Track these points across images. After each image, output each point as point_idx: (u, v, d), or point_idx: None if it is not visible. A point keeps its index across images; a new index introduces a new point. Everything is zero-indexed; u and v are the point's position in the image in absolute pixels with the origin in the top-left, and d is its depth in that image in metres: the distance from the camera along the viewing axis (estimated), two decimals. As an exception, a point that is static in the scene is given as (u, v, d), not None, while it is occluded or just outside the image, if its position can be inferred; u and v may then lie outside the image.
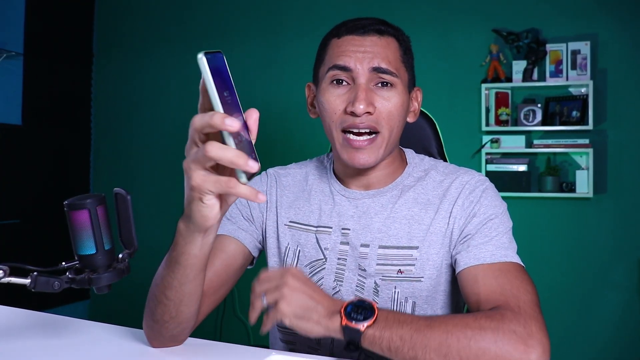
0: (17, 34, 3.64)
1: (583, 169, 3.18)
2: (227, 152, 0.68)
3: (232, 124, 0.67)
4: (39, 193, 3.77)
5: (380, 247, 1.16)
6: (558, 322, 3.11)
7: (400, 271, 1.14)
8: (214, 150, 0.68)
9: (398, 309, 1.14)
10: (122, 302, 3.79)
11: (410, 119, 1.23)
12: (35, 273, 0.82)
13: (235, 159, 0.68)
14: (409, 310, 1.14)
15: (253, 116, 0.73)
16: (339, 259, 1.18)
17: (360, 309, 0.90)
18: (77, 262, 0.84)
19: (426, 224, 1.15)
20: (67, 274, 0.85)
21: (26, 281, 0.82)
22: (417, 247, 1.14)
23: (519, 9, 3.32)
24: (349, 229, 1.19)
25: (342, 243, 1.19)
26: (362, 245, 1.17)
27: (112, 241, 0.85)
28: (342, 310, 0.90)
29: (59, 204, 0.91)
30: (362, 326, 0.88)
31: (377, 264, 1.15)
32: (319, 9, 3.69)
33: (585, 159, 3.18)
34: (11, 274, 0.81)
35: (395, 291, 1.14)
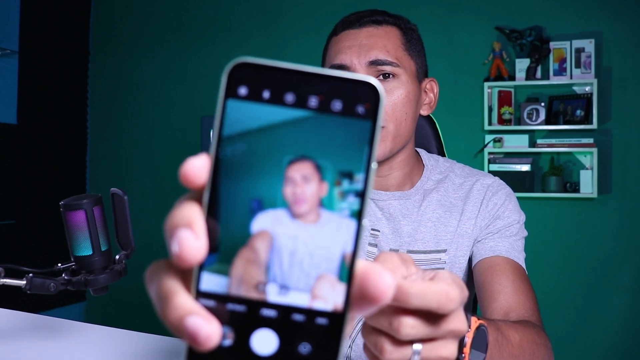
0: (13, 32, 3.62)
1: (587, 168, 3.15)
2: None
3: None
4: (35, 193, 3.74)
5: (409, 251, 1.13)
6: (561, 324, 3.08)
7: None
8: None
9: None
10: (119, 304, 3.77)
11: (425, 112, 1.19)
12: (30, 274, 0.83)
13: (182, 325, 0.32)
14: None
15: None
16: (366, 260, 1.14)
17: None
18: (74, 263, 0.83)
19: (453, 226, 1.14)
20: (63, 275, 0.84)
21: (22, 283, 0.82)
22: (445, 250, 1.13)
23: (522, 6, 3.30)
24: (378, 231, 1.15)
25: (370, 245, 1.15)
26: (391, 250, 1.14)
27: (108, 242, 0.85)
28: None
29: (55, 204, 0.89)
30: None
31: None
32: (320, 7, 3.66)
33: (589, 158, 3.16)
34: (6, 276, 0.82)
35: None
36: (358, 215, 0.32)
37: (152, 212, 4.00)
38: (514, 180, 3.18)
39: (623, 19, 3.14)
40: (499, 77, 3.30)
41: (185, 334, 0.30)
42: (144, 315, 3.99)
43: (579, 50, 3.13)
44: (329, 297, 0.32)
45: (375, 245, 1.15)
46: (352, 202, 0.32)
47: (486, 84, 3.29)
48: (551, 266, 3.19)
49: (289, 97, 0.32)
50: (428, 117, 1.58)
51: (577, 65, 3.13)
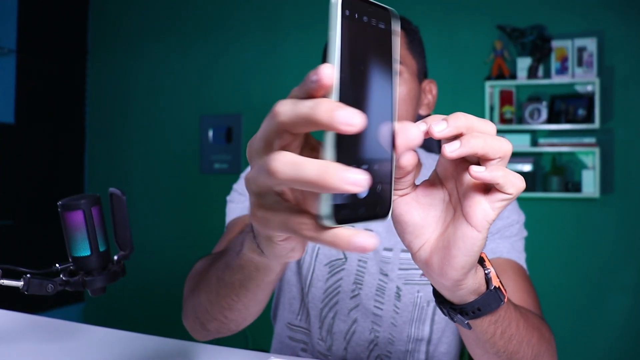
0: (10, 31, 3.61)
1: (589, 168, 3.13)
2: (306, 170, 0.38)
3: (351, 120, 0.37)
4: (32, 193, 3.74)
5: (403, 251, 1.14)
6: (563, 326, 3.07)
7: (424, 274, 1.10)
8: (281, 165, 0.39)
9: (419, 314, 1.12)
10: (118, 304, 3.76)
11: (424, 112, 1.22)
12: (28, 275, 0.84)
13: (322, 180, 0.37)
14: (429, 314, 1.12)
15: (410, 133, 0.46)
16: (359, 260, 1.14)
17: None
18: (71, 264, 0.83)
19: None
20: (61, 276, 0.84)
21: (19, 283, 0.83)
22: None
23: (523, 5, 3.29)
24: (372, 230, 1.15)
25: None
26: (385, 249, 1.14)
27: (107, 242, 0.85)
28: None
29: (53, 205, 0.89)
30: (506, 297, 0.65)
31: (400, 269, 1.13)
32: (319, 4, 3.65)
33: (591, 158, 3.14)
34: (3, 276, 0.83)
35: (417, 295, 1.12)
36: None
37: (151, 213, 4.00)
38: (515, 180, 3.17)
39: (625, 18, 3.13)
40: (501, 76, 3.28)
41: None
42: (142, 316, 3.99)
43: (581, 49, 3.12)
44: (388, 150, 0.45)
45: None
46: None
47: (487, 83, 3.28)
48: (553, 266, 3.18)
49: (375, 19, 0.44)
50: (429, 116, 1.57)
51: (579, 64, 3.12)
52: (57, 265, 0.84)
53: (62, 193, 3.39)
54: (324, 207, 0.40)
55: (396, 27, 0.46)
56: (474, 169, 0.49)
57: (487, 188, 0.51)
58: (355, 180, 0.36)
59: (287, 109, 0.41)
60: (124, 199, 0.86)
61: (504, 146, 0.50)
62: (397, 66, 0.46)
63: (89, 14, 4.23)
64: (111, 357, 0.98)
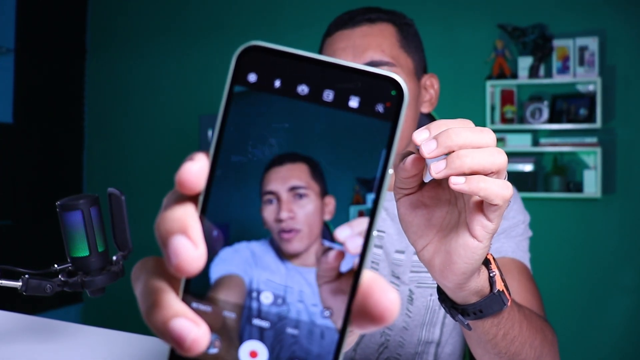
0: (8, 30, 3.60)
1: (591, 168, 3.13)
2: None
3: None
4: (31, 193, 3.73)
5: (415, 253, 1.10)
6: (564, 327, 3.05)
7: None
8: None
9: (431, 317, 1.10)
10: (117, 305, 3.74)
11: (425, 109, 1.16)
12: (26, 276, 0.83)
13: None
14: (441, 317, 1.10)
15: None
16: (372, 262, 1.11)
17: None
18: (70, 264, 0.82)
19: None
20: (60, 276, 0.83)
21: (17, 284, 0.82)
22: None
23: (525, 4, 3.28)
24: (383, 232, 1.12)
25: (376, 246, 1.12)
26: (396, 252, 1.11)
27: (106, 243, 0.84)
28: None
29: (51, 205, 0.88)
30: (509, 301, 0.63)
31: (412, 272, 1.10)
32: (319, 3, 3.64)
33: (593, 158, 3.13)
34: (2, 277, 0.81)
35: (430, 299, 1.10)
36: (368, 228, 0.28)
37: (149, 213, 3.97)
38: (516, 180, 3.15)
39: (627, 17, 3.12)
40: (502, 76, 3.27)
41: (171, 338, 0.27)
42: (141, 317, 3.97)
43: (583, 49, 3.11)
44: (328, 310, 0.28)
45: (381, 247, 1.11)
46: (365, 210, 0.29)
47: (488, 83, 3.27)
48: (555, 267, 3.17)
49: (302, 89, 0.28)
50: (429, 116, 1.55)
51: (581, 64, 3.11)
52: (56, 265, 0.84)
53: (61, 193, 3.38)
54: None
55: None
56: (453, 180, 0.48)
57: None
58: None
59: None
60: (122, 199, 0.86)
61: (497, 160, 0.49)
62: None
63: (88, 14, 4.22)
64: (110, 358, 0.97)
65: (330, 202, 0.29)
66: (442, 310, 1.10)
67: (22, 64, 3.66)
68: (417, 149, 0.49)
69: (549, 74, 3.20)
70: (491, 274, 0.59)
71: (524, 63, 3.21)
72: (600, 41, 3.12)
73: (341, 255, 0.28)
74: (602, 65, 3.14)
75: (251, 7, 3.83)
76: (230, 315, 0.28)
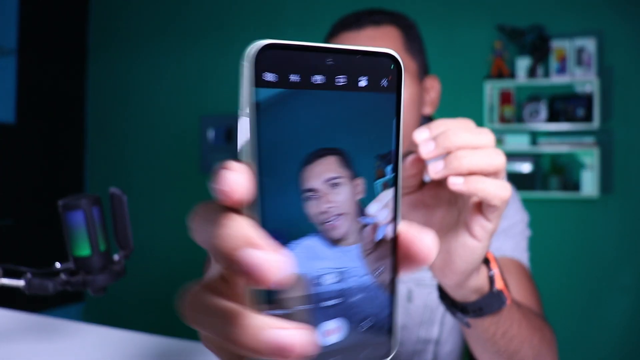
0: (11, 30, 3.60)
1: (589, 168, 3.13)
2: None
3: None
4: (33, 193, 3.73)
5: None
6: (563, 327, 3.05)
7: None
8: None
9: (430, 316, 1.11)
10: (118, 304, 3.75)
11: (428, 110, 1.16)
12: (29, 275, 0.82)
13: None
14: (439, 315, 1.11)
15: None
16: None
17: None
18: (72, 263, 0.81)
19: None
20: (62, 275, 0.83)
21: (20, 283, 0.81)
22: None
23: (523, 5, 3.28)
24: None
25: None
26: None
27: (107, 242, 0.84)
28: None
29: (53, 204, 0.88)
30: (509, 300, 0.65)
31: None
32: (320, 3, 3.64)
33: (590, 158, 3.13)
34: (4, 276, 0.80)
35: (429, 297, 1.11)
36: (394, 195, 0.33)
37: (151, 212, 3.99)
38: (514, 180, 3.15)
39: (625, 18, 3.12)
40: (500, 76, 3.28)
41: (276, 351, 0.27)
42: (143, 316, 3.98)
43: (580, 49, 3.11)
44: (378, 270, 0.33)
45: None
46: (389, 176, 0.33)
47: (487, 83, 3.27)
48: (553, 267, 3.16)
49: (318, 78, 0.30)
50: (430, 119, 1.55)
51: (579, 64, 3.11)
52: (58, 264, 0.84)
53: (63, 193, 3.38)
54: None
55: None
56: (451, 180, 0.49)
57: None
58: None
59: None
60: (124, 198, 0.86)
61: (495, 161, 0.50)
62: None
63: (90, 14, 4.21)
64: (111, 357, 0.97)
65: (360, 183, 0.32)
66: (441, 309, 1.10)
67: (24, 64, 3.67)
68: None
69: (546, 75, 3.21)
70: (490, 273, 0.60)
71: (522, 63, 3.21)
72: (597, 42, 3.11)
73: (376, 227, 0.33)
74: (600, 65, 3.14)
75: (251, 7, 3.83)
76: (300, 308, 0.30)
